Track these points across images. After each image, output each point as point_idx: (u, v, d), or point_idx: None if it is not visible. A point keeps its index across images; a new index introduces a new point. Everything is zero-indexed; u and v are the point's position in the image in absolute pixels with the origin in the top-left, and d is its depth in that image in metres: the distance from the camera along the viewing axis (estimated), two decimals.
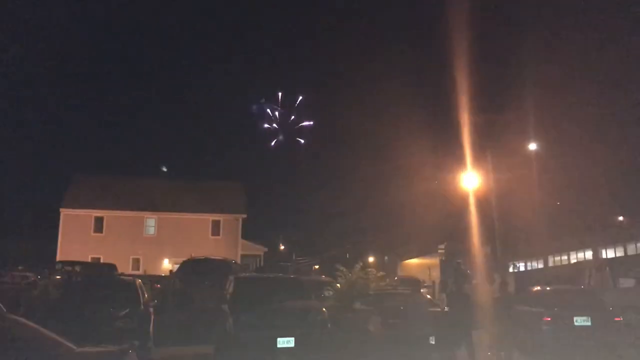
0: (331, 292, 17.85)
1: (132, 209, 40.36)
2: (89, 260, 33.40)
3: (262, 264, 42.99)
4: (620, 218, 40.88)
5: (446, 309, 13.38)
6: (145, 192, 41.14)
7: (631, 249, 34.47)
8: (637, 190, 38.19)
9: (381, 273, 20.44)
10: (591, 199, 39.58)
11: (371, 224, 64.35)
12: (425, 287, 29.99)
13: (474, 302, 13.73)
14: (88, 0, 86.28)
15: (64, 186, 41.62)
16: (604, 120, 38.66)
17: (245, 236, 42.82)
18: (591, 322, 13.38)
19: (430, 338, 13.03)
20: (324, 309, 12.44)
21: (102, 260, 33.60)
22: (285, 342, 11.14)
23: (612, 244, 36.26)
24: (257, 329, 11.14)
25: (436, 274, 42.23)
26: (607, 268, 27.46)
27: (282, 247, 68.15)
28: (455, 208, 30.61)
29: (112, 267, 25.40)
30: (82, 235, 38.71)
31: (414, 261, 55.03)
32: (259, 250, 45.86)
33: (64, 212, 39.36)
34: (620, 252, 35.20)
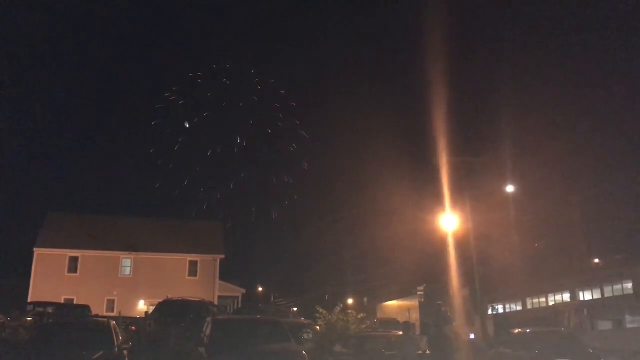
0: (311, 335, 17.59)
1: (107, 249, 39.61)
2: (63, 301, 32.56)
3: (240, 305, 42.29)
4: (597, 261, 41.27)
5: (428, 351, 13.25)
6: (122, 231, 40.52)
7: (608, 291, 34.66)
8: (612, 232, 38.74)
9: (362, 315, 20.25)
10: (568, 241, 40.02)
11: (350, 265, 64.15)
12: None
13: (455, 344, 13.62)
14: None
15: (38, 224, 40.85)
16: (581, 164, 39.47)
17: (223, 277, 42.22)
18: None
19: None
20: (304, 352, 12.21)
21: (75, 302, 32.83)
22: None
23: (589, 286, 36.46)
24: None
25: (416, 316, 42.03)
26: (585, 311, 27.57)
27: (260, 289, 67.34)
28: (434, 250, 30.64)
29: (86, 308, 24.88)
30: (55, 276, 37.78)
31: (393, 303, 54.79)
32: (237, 291, 45.17)
33: (38, 252, 38.46)
34: (597, 295, 35.37)
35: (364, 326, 19.75)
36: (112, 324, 13.04)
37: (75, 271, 38.97)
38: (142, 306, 37.18)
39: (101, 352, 11.34)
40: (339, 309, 19.38)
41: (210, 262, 41.13)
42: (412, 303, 47.06)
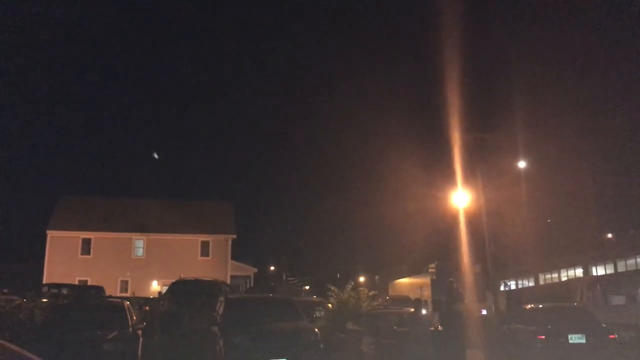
0: (322, 313, 17.65)
1: (120, 231, 39.93)
2: (76, 282, 32.96)
3: (252, 284, 42.62)
4: (610, 235, 41.04)
5: (440, 328, 13.26)
6: (134, 213, 40.77)
7: (621, 266, 34.52)
8: (625, 207, 38.45)
9: (373, 292, 20.28)
10: (580, 217, 39.80)
11: (361, 243, 64.29)
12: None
13: (467, 320, 13.62)
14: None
15: (50, 207, 41.16)
16: (593, 140, 39.06)
17: (234, 257, 42.48)
18: (586, 340, 13.28)
19: None
20: (316, 330, 12.26)
21: (89, 283, 33.15)
22: None
23: (602, 261, 36.32)
24: (248, 351, 10.94)
25: (427, 293, 42.09)
26: (598, 286, 27.49)
27: (272, 268, 67.74)
28: (446, 227, 30.51)
29: (99, 289, 25.09)
30: (69, 258, 38.19)
31: (404, 280, 54.87)
32: (249, 270, 45.47)
33: (51, 234, 38.85)
34: (610, 270, 35.24)
35: (375, 303, 19.77)
36: (126, 304, 13.12)
37: (89, 253, 39.35)
38: (155, 286, 37.56)
39: (115, 332, 11.41)
40: (350, 286, 19.40)
41: (222, 242, 41.38)
42: (423, 280, 47.07)
